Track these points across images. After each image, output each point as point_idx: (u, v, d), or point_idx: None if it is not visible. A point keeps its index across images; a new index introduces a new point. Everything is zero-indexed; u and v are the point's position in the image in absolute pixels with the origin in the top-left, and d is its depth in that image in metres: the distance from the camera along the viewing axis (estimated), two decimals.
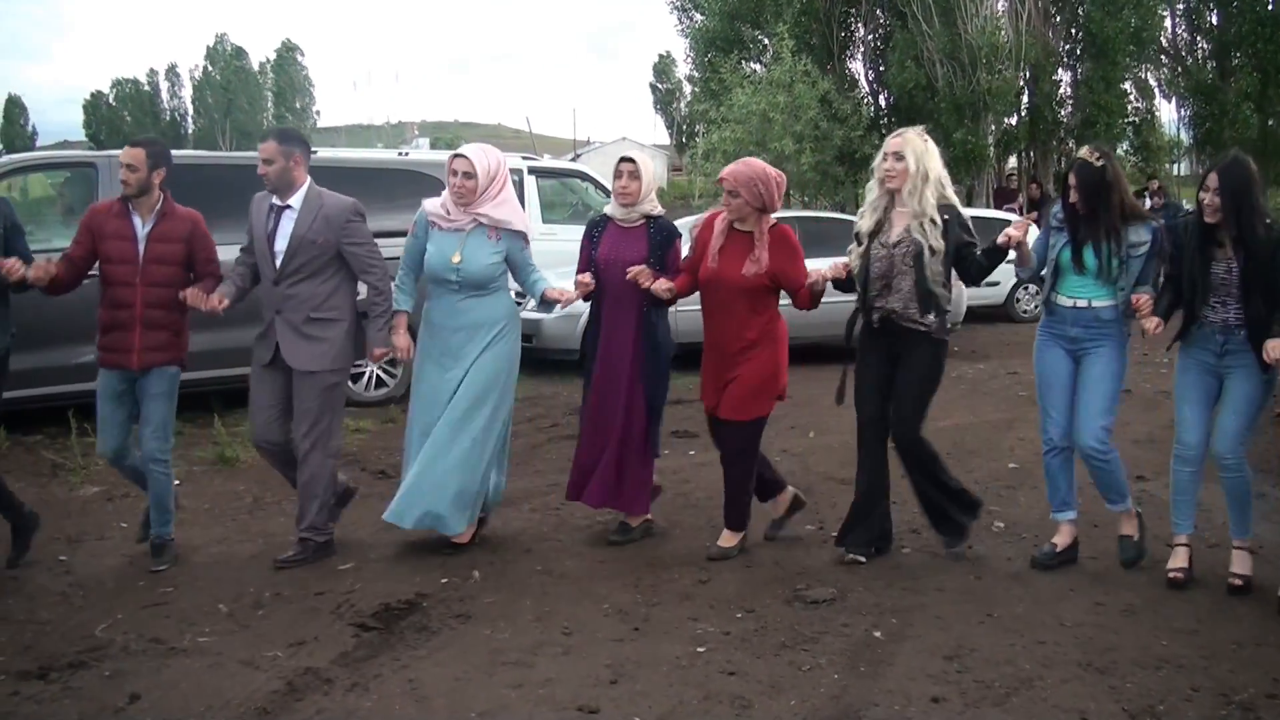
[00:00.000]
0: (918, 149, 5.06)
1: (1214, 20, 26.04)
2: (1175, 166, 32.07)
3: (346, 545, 5.55)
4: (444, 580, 5.09)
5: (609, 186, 14.69)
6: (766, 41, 27.24)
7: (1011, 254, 5.21)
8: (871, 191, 5.26)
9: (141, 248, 5.08)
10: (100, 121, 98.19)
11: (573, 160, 26.63)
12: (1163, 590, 4.95)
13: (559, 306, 5.63)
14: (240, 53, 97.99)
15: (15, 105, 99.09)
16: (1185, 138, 28.45)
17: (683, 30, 32.54)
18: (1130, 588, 4.98)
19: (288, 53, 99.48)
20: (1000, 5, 23.62)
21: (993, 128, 23.94)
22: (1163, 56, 27.21)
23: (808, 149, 22.66)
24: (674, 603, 4.83)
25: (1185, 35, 27.09)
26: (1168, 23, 26.79)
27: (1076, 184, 5.06)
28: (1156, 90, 27.61)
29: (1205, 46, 26.63)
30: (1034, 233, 5.73)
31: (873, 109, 27.72)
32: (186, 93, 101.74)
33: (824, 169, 23.66)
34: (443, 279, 5.31)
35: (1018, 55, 23.48)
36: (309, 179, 5.29)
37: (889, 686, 3.99)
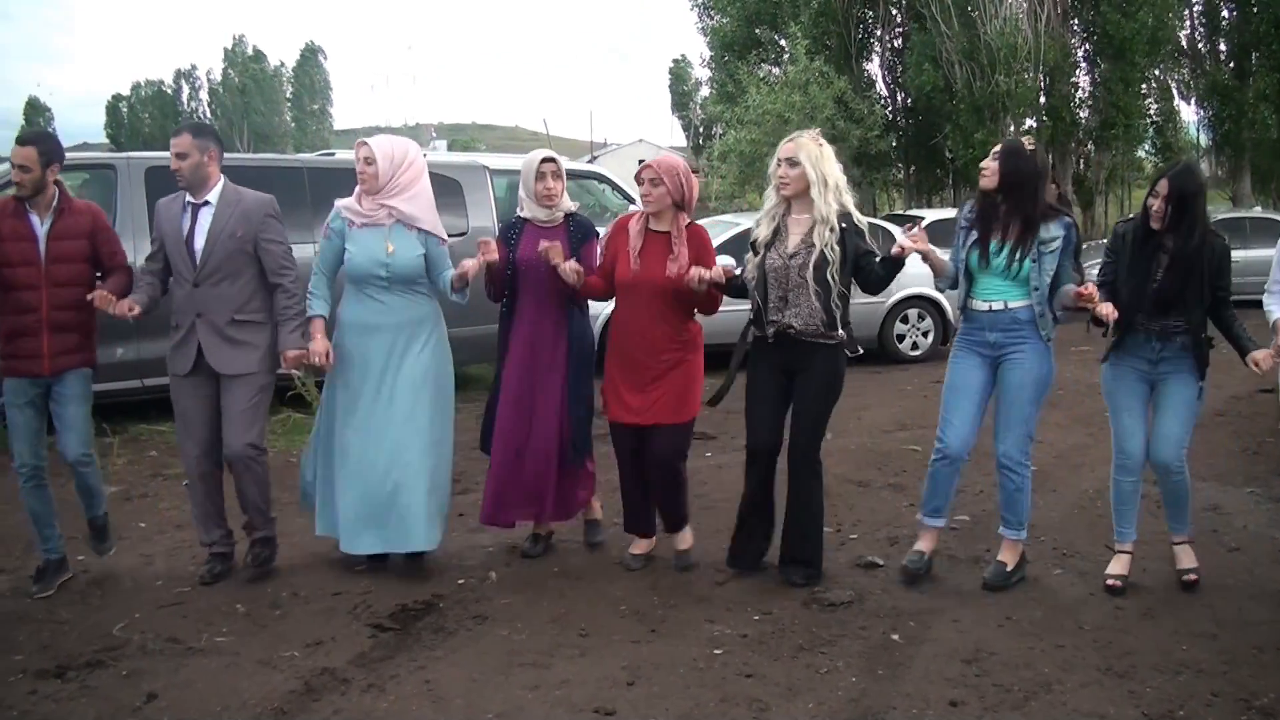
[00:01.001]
0: (813, 154, 4.83)
1: (1232, 21, 25.90)
2: None
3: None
4: (460, 581, 5.10)
5: (626, 189, 14.72)
6: (784, 43, 27.22)
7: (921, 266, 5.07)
8: (769, 199, 5.03)
9: (43, 247, 4.83)
10: (120, 124, 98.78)
11: (590, 162, 26.58)
12: (1182, 594, 4.91)
13: (469, 278, 5.13)
14: (259, 55, 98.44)
15: (35, 108, 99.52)
16: (1204, 139, 28.30)
17: (702, 29, 32.54)
18: (1149, 592, 4.94)
19: (310, 54, 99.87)
20: (1020, 6, 23.51)
21: (1011, 129, 23.83)
22: (1181, 58, 27.06)
23: None
24: (691, 605, 4.82)
25: (1203, 36, 26.94)
26: (1186, 24, 26.66)
27: (1001, 160, 4.84)
28: (1175, 92, 27.45)
29: (1224, 48, 26.49)
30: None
31: (890, 110, 27.67)
32: (205, 95, 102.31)
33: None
34: (370, 276, 5.09)
35: (1037, 57, 23.38)
36: (223, 176, 5.07)
37: (907, 690, 3.97)
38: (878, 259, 4.93)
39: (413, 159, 5.24)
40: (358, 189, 5.16)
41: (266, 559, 5.21)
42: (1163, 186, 4.68)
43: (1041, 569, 5.26)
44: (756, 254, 4.98)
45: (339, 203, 5.22)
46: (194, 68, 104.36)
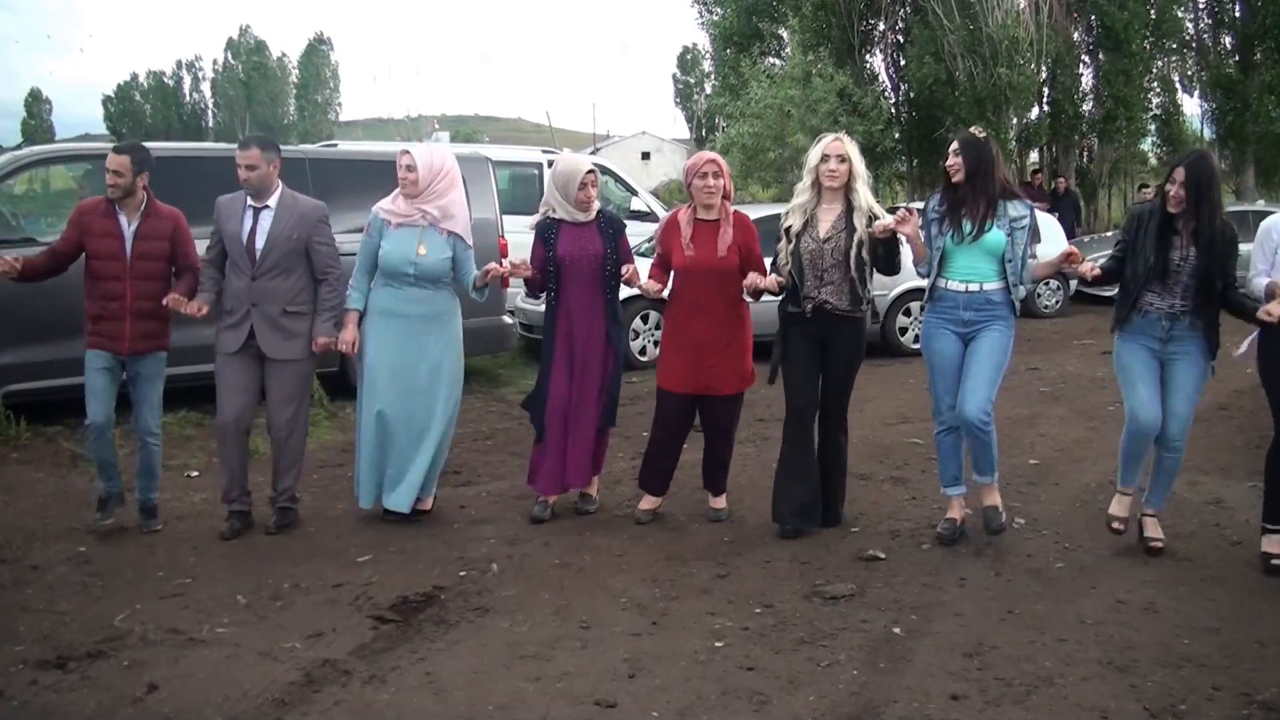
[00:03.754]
0: (853, 151, 5.48)
1: (1237, 13, 25.81)
2: None
3: (364, 537, 5.58)
4: (462, 573, 5.10)
5: (628, 180, 14.70)
6: (785, 35, 27.15)
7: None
8: (802, 193, 5.57)
9: (129, 245, 5.43)
10: (123, 114, 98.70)
11: (592, 154, 26.59)
12: (1184, 588, 4.91)
13: (489, 279, 5.79)
14: (261, 46, 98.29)
15: (35, 98, 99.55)
16: (1207, 132, 28.20)
17: (703, 24, 32.48)
18: (1152, 585, 4.94)
19: (318, 45, 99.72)
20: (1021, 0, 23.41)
21: (1014, 122, 23.76)
22: (1185, 50, 26.96)
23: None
24: (692, 597, 4.82)
25: (1208, 28, 26.84)
26: (1190, 16, 26.56)
27: (960, 150, 5.32)
28: (1178, 84, 27.33)
29: (1228, 41, 26.39)
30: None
31: (893, 103, 27.59)
32: (207, 86, 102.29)
33: None
34: (399, 273, 5.66)
35: (1039, 49, 23.31)
36: (281, 183, 5.66)
37: (908, 683, 3.97)
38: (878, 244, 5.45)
39: (450, 168, 5.81)
40: (396, 191, 5.74)
41: (288, 524, 5.76)
42: (1179, 174, 5.00)
43: (1043, 562, 5.26)
44: (790, 241, 5.53)
45: (378, 205, 5.78)
46: (197, 58, 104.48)
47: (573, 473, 5.88)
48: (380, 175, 8.04)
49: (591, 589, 4.92)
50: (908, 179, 29.29)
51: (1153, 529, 5.41)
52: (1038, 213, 5.80)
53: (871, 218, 5.41)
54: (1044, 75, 24.59)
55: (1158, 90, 26.85)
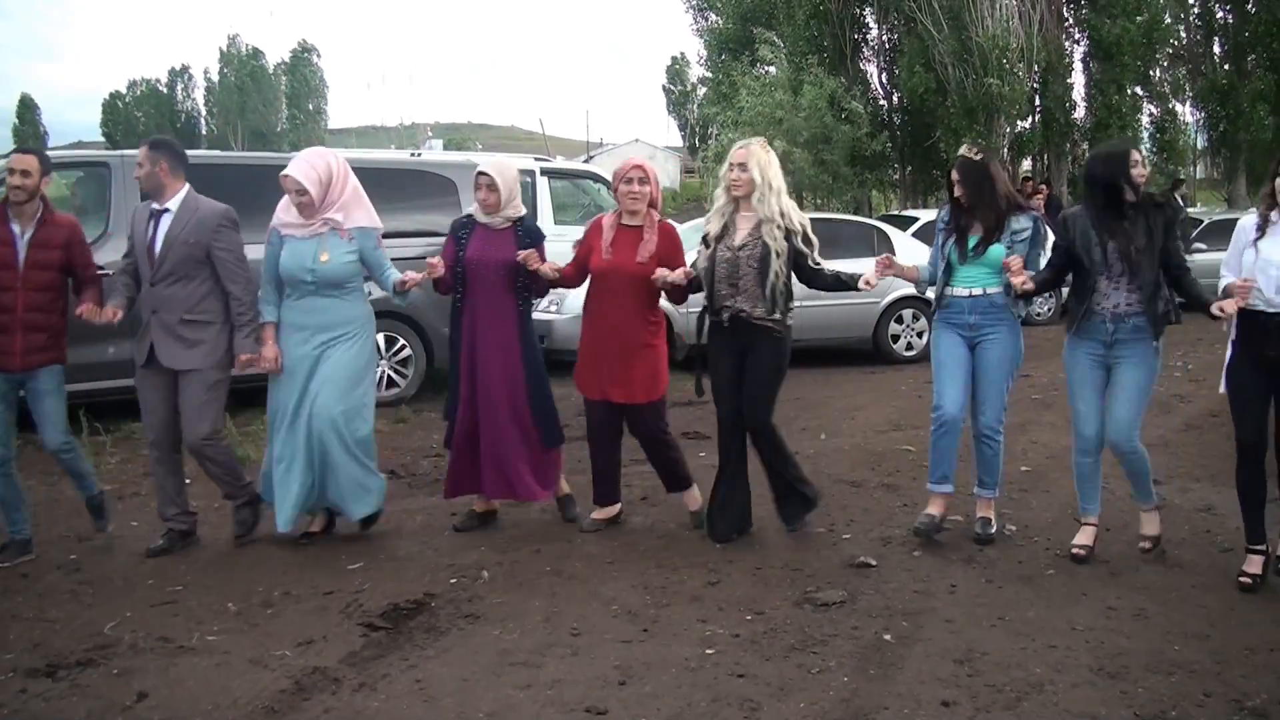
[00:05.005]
0: (761, 160, 5.40)
1: (1228, 22, 25.90)
2: (1193, 169, 31.91)
3: (355, 545, 5.57)
4: (452, 580, 5.09)
5: None
6: (780, 42, 27.22)
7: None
8: (719, 199, 5.57)
9: (22, 254, 5.18)
10: (117, 122, 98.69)
11: (586, 162, 26.57)
12: (1175, 594, 4.91)
13: (409, 287, 5.57)
14: (256, 53, 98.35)
15: (27, 105, 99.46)
16: (1201, 140, 28.28)
17: (697, 30, 32.58)
18: (1142, 591, 4.94)
19: (304, 54, 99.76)
20: (1012, 8, 23.44)
21: (1007, 130, 23.83)
22: (1178, 59, 27.05)
23: (802, 151, 22.63)
24: (683, 604, 4.81)
25: (1200, 37, 26.94)
26: (1183, 25, 26.66)
27: (960, 179, 5.44)
28: (1168, 92, 27.40)
29: (1219, 49, 26.49)
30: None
31: (885, 110, 27.65)
32: (199, 94, 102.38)
33: (834, 170, 23.61)
34: (299, 280, 5.40)
35: (1029, 57, 23.37)
36: (187, 185, 5.43)
37: (899, 690, 3.97)
38: (810, 260, 5.50)
39: (336, 169, 5.48)
40: (286, 200, 5.43)
41: (251, 523, 5.65)
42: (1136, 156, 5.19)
43: (1034, 569, 5.26)
44: (708, 247, 5.53)
45: (278, 213, 5.50)
46: (186, 67, 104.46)
47: (488, 483, 5.74)
48: (370, 182, 8.06)
49: (582, 596, 4.91)
50: (901, 186, 29.36)
51: (1149, 525, 5.45)
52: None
53: (789, 231, 5.39)
54: (1035, 84, 24.66)
55: (1151, 99, 26.93)
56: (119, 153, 8.56)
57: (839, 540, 5.70)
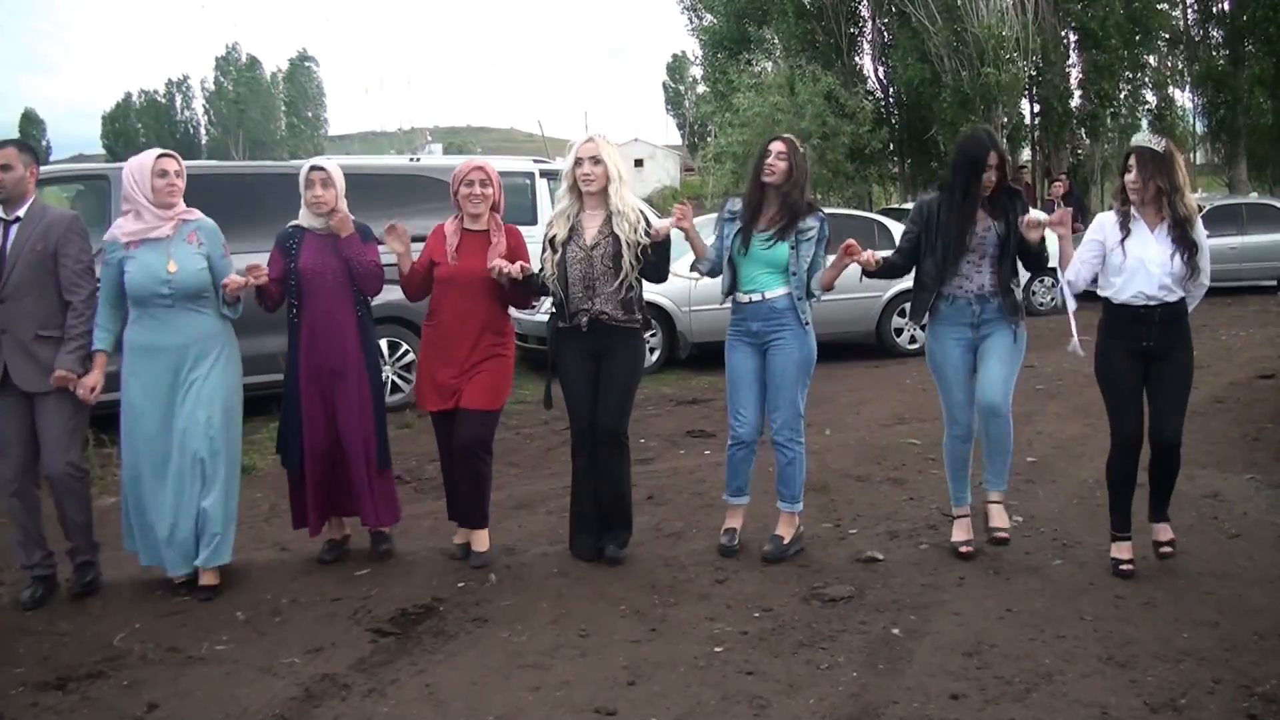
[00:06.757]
0: (610, 152, 5.18)
1: (1226, 6, 25.86)
2: (1192, 155, 31.83)
3: (362, 551, 5.57)
4: (460, 584, 5.10)
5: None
6: (776, 39, 27.22)
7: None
8: (561, 199, 5.30)
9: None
10: (117, 134, 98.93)
11: None
12: (1183, 582, 4.91)
13: (236, 293, 5.04)
14: (254, 63, 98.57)
15: (30, 120, 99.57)
16: (1200, 126, 28.23)
17: (692, 30, 32.58)
18: (1150, 580, 4.94)
19: (302, 63, 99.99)
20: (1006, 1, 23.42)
21: (1004, 120, 23.79)
22: (1175, 44, 27.00)
23: (806, 148, 22.63)
24: (691, 603, 4.82)
25: (1197, 22, 26.89)
26: (1178, 10, 26.61)
27: (790, 162, 5.22)
28: (1166, 78, 27.35)
29: (1218, 34, 26.44)
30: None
31: (882, 104, 27.63)
32: (198, 104, 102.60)
33: (835, 166, 23.60)
34: (151, 294, 4.89)
35: (1025, 46, 23.34)
36: (37, 192, 5.04)
37: (908, 684, 3.97)
38: (646, 246, 5.17)
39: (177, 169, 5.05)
40: (129, 210, 4.98)
41: (90, 584, 5.12)
42: (994, 158, 5.05)
43: (1041, 559, 5.26)
44: (555, 251, 5.20)
45: (112, 230, 5.00)
46: (185, 77, 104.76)
47: (366, 510, 5.37)
48: (370, 189, 8.08)
49: (590, 597, 4.92)
50: (899, 180, 29.33)
51: (998, 517, 5.36)
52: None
53: (638, 223, 5.13)
54: (1032, 73, 24.63)
55: (1146, 84, 26.88)
56: (117, 165, 8.55)
57: (846, 535, 5.70)
